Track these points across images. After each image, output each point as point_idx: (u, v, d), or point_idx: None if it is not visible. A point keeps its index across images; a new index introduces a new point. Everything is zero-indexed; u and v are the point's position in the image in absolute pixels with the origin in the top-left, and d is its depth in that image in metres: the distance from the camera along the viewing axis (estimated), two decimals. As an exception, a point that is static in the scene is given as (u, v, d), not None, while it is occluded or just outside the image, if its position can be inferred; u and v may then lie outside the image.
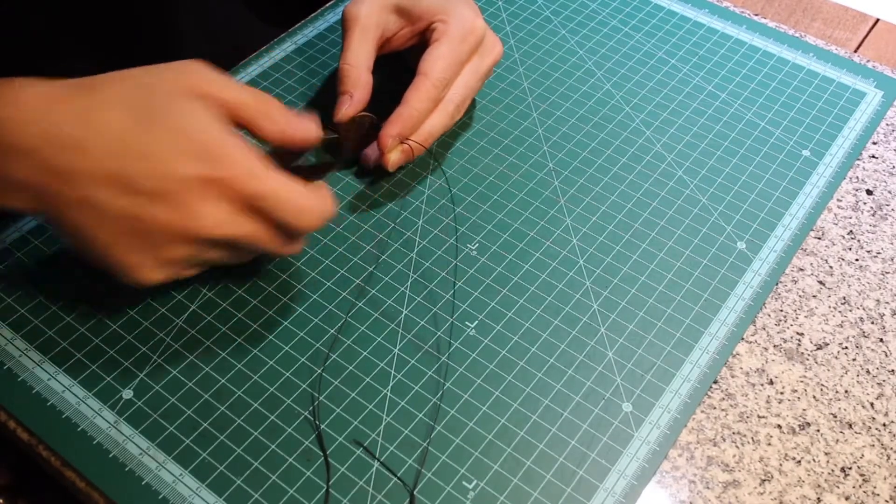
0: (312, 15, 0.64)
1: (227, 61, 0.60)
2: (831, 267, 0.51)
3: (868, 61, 0.63)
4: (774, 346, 0.47)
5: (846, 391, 0.46)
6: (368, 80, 0.50)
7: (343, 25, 0.52)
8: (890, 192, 0.55)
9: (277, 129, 0.41)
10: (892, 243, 0.53)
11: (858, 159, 0.57)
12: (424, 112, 0.50)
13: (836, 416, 0.45)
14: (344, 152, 0.51)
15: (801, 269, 0.51)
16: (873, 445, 0.44)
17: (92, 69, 0.41)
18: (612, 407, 0.44)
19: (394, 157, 0.51)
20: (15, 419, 0.42)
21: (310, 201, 0.41)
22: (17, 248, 0.49)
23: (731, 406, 0.45)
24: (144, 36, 0.57)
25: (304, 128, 0.43)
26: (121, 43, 0.55)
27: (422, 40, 0.53)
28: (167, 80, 0.40)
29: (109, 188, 0.38)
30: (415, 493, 0.40)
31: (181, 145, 0.38)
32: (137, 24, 0.56)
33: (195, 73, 0.40)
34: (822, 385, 0.46)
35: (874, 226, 0.54)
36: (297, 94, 0.58)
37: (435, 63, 0.50)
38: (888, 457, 0.43)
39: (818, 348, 0.48)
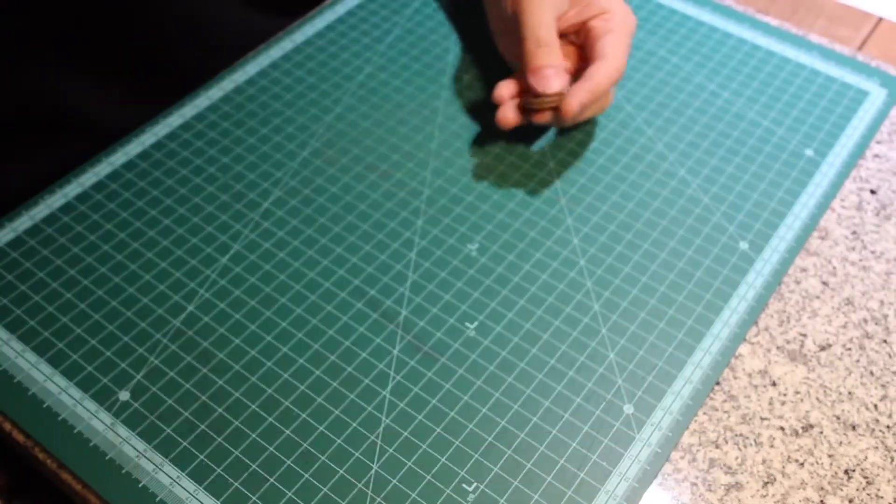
0: (310, 13, 0.64)
1: (225, 59, 0.60)
2: (835, 267, 0.51)
3: (872, 60, 0.63)
4: (777, 347, 0.47)
5: (850, 393, 0.45)
6: (561, 54, 0.54)
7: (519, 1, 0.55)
8: (894, 191, 0.55)
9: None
10: (895, 243, 0.52)
11: (862, 159, 0.57)
12: (605, 89, 0.53)
13: (839, 418, 0.44)
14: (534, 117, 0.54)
15: (805, 270, 0.51)
16: (877, 448, 0.43)
17: (78, 71, 0.40)
18: (614, 409, 0.44)
19: (548, 117, 0.54)
20: (11, 421, 0.42)
21: None
22: (12, 248, 0.49)
23: (734, 408, 0.45)
24: (136, 33, 0.56)
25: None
26: (112, 42, 0.55)
27: (584, 28, 0.56)
28: None
29: None
30: (415, 495, 0.40)
31: None
32: (129, 20, 0.56)
33: None
34: (826, 386, 0.46)
35: (878, 226, 0.53)
36: (295, 94, 0.58)
37: (616, 49, 0.54)
38: (892, 459, 0.43)
39: (821, 349, 0.47)
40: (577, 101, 0.52)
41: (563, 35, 0.57)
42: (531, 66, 0.53)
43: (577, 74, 0.55)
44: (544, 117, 0.53)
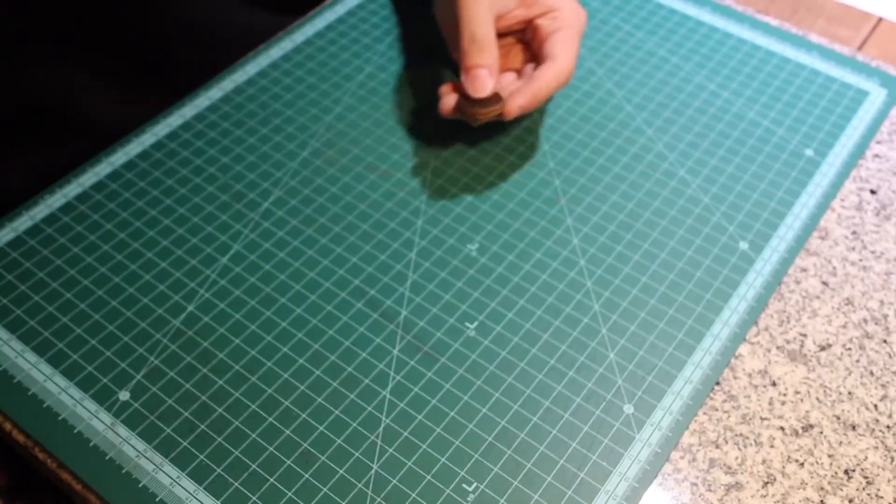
0: (310, 13, 0.64)
1: (225, 59, 0.60)
2: (835, 267, 0.51)
3: (872, 60, 0.63)
4: (777, 347, 0.47)
5: (850, 393, 0.45)
6: (497, 52, 0.52)
7: None
8: (894, 191, 0.55)
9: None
10: (895, 243, 0.52)
11: (862, 159, 0.57)
12: (551, 91, 0.52)
13: (839, 418, 0.44)
14: (471, 121, 0.53)
15: (805, 270, 0.51)
16: (877, 447, 0.43)
17: (78, 71, 0.40)
18: (614, 409, 0.44)
19: (485, 121, 0.53)
20: (11, 421, 0.42)
21: None
22: (12, 248, 0.49)
23: (734, 408, 0.45)
24: (137, 33, 0.56)
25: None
26: (112, 42, 0.55)
27: (531, 26, 0.55)
28: None
29: None
30: (415, 495, 0.40)
31: None
32: (129, 20, 0.56)
33: None
34: (826, 386, 0.46)
35: (878, 226, 0.53)
36: (296, 94, 0.58)
37: (565, 50, 0.53)
38: (892, 459, 0.43)
39: (821, 349, 0.47)
40: (517, 105, 0.51)
41: (510, 33, 0.56)
42: (463, 65, 0.51)
43: (522, 74, 0.54)
44: (485, 118, 0.52)
